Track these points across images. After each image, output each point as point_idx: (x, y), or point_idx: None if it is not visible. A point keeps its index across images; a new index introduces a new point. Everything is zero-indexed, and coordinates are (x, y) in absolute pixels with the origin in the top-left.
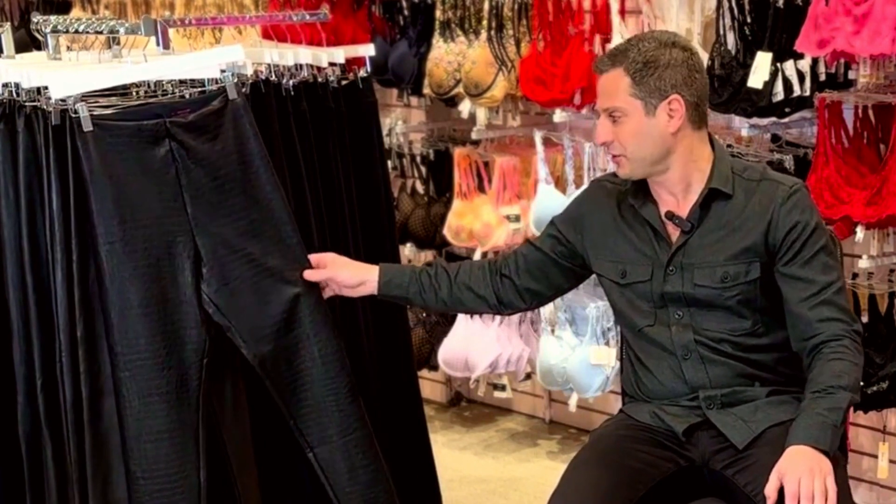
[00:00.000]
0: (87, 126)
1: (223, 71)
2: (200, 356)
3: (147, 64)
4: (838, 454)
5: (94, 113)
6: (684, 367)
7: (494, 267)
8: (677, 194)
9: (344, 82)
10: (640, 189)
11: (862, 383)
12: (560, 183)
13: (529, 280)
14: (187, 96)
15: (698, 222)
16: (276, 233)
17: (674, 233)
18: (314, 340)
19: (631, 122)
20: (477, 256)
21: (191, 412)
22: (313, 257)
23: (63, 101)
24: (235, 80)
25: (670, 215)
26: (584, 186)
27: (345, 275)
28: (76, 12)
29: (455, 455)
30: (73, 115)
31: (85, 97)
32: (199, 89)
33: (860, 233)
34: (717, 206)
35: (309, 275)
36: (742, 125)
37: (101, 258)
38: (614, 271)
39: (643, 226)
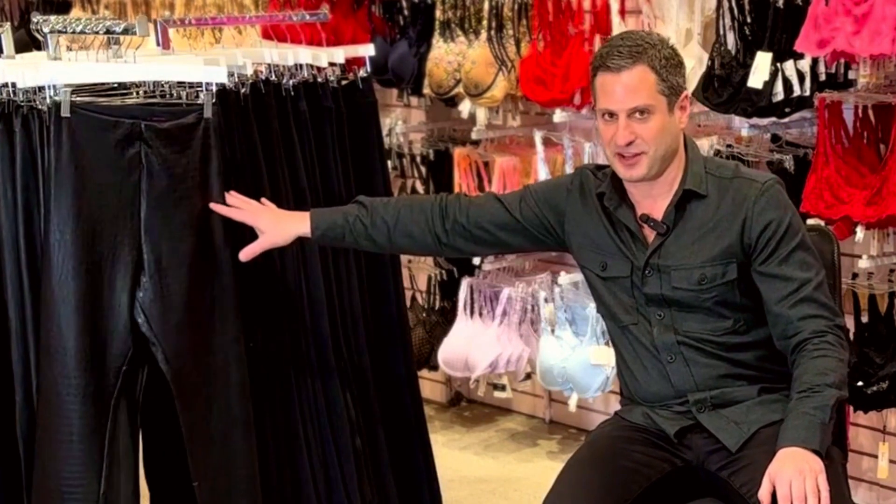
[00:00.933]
0: (66, 111)
1: (213, 83)
2: (120, 364)
3: (129, 66)
4: (837, 452)
5: (75, 100)
6: (670, 370)
7: (445, 211)
8: (655, 196)
9: (344, 82)
10: (615, 191)
11: (861, 383)
12: None
13: (484, 232)
14: (184, 97)
15: (674, 224)
16: (213, 257)
17: (650, 235)
18: (231, 370)
19: (656, 119)
20: (476, 257)
21: (103, 419)
22: (235, 199)
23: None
24: (214, 101)
25: (645, 218)
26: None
27: (266, 222)
28: (76, 12)
29: (455, 455)
30: (53, 98)
31: (82, 95)
32: (197, 90)
33: (860, 233)
34: (692, 207)
35: (228, 212)
36: (742, 125)
37: (50, 247)
38: (595, 262)
39: (620, 228)
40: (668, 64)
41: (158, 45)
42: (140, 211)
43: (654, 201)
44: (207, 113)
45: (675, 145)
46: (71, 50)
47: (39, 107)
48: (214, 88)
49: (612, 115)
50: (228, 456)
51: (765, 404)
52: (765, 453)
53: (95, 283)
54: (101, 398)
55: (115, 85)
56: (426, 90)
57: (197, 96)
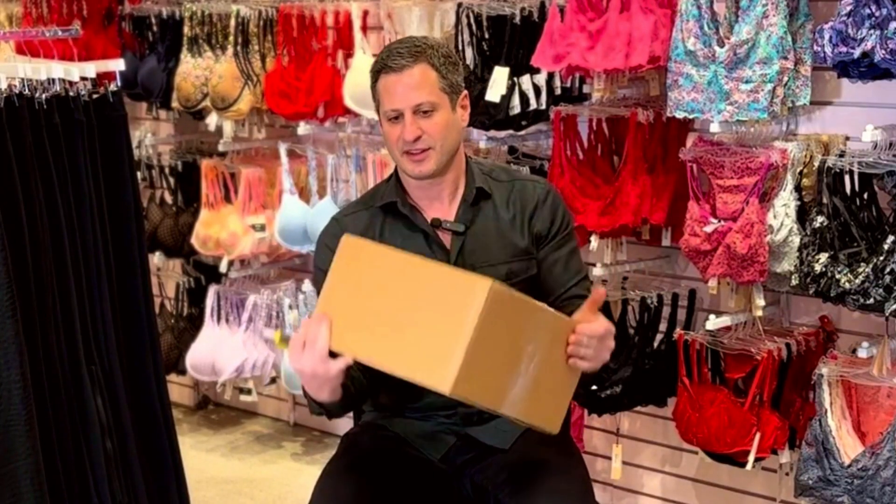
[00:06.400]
0: None
1: None
2: None
3: None
4: (578, 451)
5: None
6: None
7: None
8: (443, 199)
9: (95, 96)
10: (404, 200)
11: (595, 387)
12: (304, 193)
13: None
14: None
15: (470, 223)
16: None
17: (445, 238)
18: (12, 366)
19: (440, 115)
20: (224, 264)
21: None
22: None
23: None
24: None
25: (437, 222)
26: (327, 226)
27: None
28: None
29: (203, 456)
30: None
31: None
32: None
33: (594, 242)
34: (483, 206)
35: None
36: (480, 137)
37: None
38: None
39: (413, 236)
40: (447, 62)
41: None
42: None
43: (442, 204)
44: None
45: (458, 144)
46: None
47: None
48: None
49: (397, 114)
50: (11, 447)
51: None
52: (519, 456)
53: None
54: None
55: None
56: (174, 104)
57: None
